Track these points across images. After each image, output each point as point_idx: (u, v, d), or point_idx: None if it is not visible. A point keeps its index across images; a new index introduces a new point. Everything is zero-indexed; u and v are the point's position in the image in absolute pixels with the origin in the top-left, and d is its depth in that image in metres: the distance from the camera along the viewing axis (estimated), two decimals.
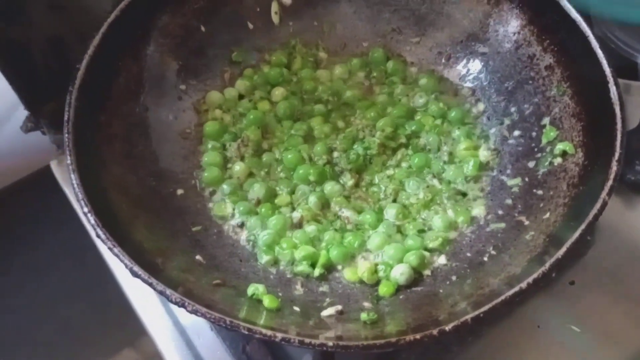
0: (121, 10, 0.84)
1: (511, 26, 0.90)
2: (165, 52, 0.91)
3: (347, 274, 0.80)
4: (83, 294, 1.22)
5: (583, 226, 0.65)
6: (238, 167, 0.87)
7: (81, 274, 1.18)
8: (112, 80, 0.84)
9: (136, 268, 0.65)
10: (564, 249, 0.64)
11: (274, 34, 0.98)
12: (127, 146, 0.83)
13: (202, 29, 0.94)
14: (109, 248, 0.66)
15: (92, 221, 0.68)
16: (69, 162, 0.72)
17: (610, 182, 0.68)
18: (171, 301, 0.64)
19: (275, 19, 0.98)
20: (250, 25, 0.97)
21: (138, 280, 0.66)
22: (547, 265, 0.63)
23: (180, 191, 0.86)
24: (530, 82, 0.87)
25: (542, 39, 0.86)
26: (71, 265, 1.22)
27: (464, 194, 0.84)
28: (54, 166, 1.01)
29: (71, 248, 1.08)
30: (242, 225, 0.85)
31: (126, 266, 0.66)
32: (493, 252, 0.77)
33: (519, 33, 0.89)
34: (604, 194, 0.67)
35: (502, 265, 0.73)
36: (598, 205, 0.67)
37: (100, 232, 0.67)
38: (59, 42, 0.93)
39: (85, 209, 0.69)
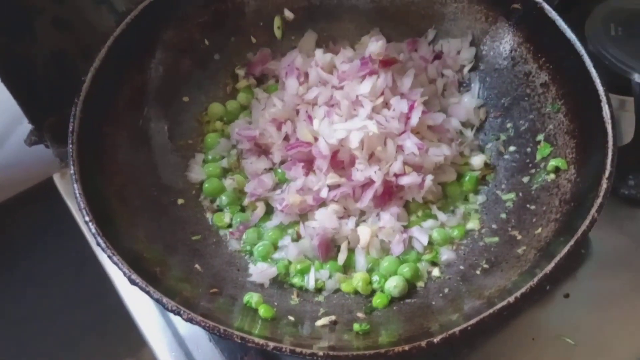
0: (127, 24, 0.86)
1: (508, 44, 0.91)
2: (169, 65, 0.93)
3: (343, 285, 0.81)
4: (84, 306, 1.23)
5: (572, 242, 0.67)
6: (236, 179, 0.89)
7: (82, 286, 1.19)
8: (116, 92, 0.86)
9: (134, 276, 0.67)
10: (552, 264, 0.65)
11: (275, 47, 1.00)
12: (130, 156, 0.85)
13: (206, 42, 0.96)
14: (109, 256, 0.68)
15: (93, 230, 0.70)
16: (72, 172, 0.74)
17: (599, 200, 0.69)
18: (167, 309, 0.65)
19: (277, 33, 1.00)
20: (253, 40, 1.00)
21: (138, 292, 0.67)
22: (536, 279, 0.65)
23: (180, 201, 0.88)
24: (526, 98, 0.89)
25: (538, 56, 0.88)
26: (72, 276, 1.23)
27: None
28: (56, 179, 1.02)
29: (72, 260, 1.09)
30: (240, 236, 0.86)
31: (124, 274, 0.67)
32: (486, 266, 0.78)
33: (515, 50, 0.91)
34: (593, 211, 0.69)
35: (494, 279, 0.74)
36: (587, 221, 0.68)
37: (100, 241, 0.69)
38: (63, 56, 0.95)
39: (87, 218, 0.71)
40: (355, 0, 0.99)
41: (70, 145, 0.76)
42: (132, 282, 0.67)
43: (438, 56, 0.96)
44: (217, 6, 0.96)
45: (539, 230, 0.76)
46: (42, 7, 0.98)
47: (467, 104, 0.93)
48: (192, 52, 0.95)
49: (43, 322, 1.26)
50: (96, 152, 0.80)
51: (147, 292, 0.66)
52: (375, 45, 0.88)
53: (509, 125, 0.90)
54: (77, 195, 0.72)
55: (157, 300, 0.66)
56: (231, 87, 0.99)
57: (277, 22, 1.00)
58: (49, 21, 0.98)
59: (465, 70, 0.95)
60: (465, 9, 0.94)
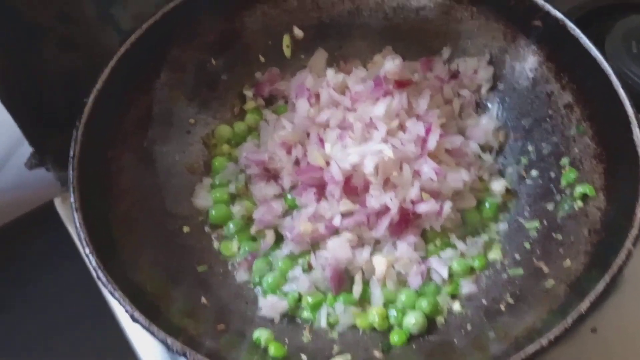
0: (131, 44, 0.83)
1: (528, 63, 0.87)
2: (175, 86, 0.89)
3: (358, 320, 0.76)
4: (84, 334, 1.18)
5: (607, 278, 0.62)
6: (244, 205, 0.85)
7: (82, 313, 1.15)
8: (120, 115, 0.82)
9: (137, 314, 0.63)
10: (587, 303, 0.61)
11: (285, 67, 0.96)
12: (134, 181, 0.81)
13: (213, 62, 0.93)
14: (110, 292, 0.64)
15: (94, 264, 0.66)
16: (72, 200, 0.70)
17: (635, 231, 0.65)
18: (171, 350, 0.61)
19: (287, 52, 0.96)
20: (262, 59, 0.96)
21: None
22: (570, 320, 0.60)
23: (186, 228, 0.83)
24: (549, 120, 0.85)
25: (560, 76, 0.84)
26: (72, 303, 1.18)
27: None
28: (57, 203, 0.98)
29: (73, 285, 1.05)
30: (248, 266, 0.82)
31: (126, 311, 0.63)
32: (511, 301, 0.74)
33: (536, 70, 0.87)
34: (628, 244, 0.64)
35: (521, 315, 0.70)
36: (622, 255, 0.63)
37: (101, 275, 0.65)
38: (68, 77, 0.92)
39: (87, 250, 0.67)
40: (367, 18, 0.96)
41: (71, 172, 0.72)
42: (134, 319, 0.63)
43: (454, 76, 0.92)
44: (225, 26, 0.92)
45: (568, 262, 0.72)
46: (49, 27, 0.94)
47: (485, 125, 0.89)
48: (199, 72, 0.91)
49: (42, 349, 1.21)
50: (99, 177, 0.77)
51: (151, 332, 0.62)
52: (390, 65, 0.85)
53: (530, 148, 0.86)
54: (77, 225, 0.68)
55: (161, 341, 0.61)
56: (239, 108, 0.95)
57: (286, 40, 0.96)
58: (55, 41, 0.95)
59: (483, 90, 0.91)
60: (483, 26, 0.91)
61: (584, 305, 0.61)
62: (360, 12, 0.96)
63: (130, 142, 0.83)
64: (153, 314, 0.65)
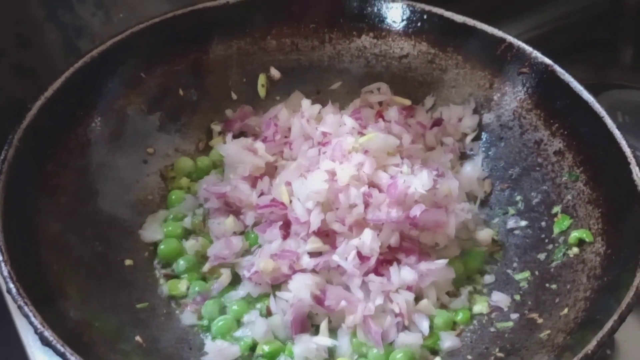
0: (91, 58, 0.77)
1: (515, 111, 0.82)
2: (136, 111, 0.82)
3: None
4: None
5: (615, 316, 0.53)
6: (200, 241, 0.75)
7: None
8: (68, 129, 0.74)
9: (48, 333, 0.51)
10: (594, 342, 0.51)
11: (258, 107, 0.90)
12: (74, 203, 0.72)
13: (181, 92, 0.86)
14: (19, 305, 0.52)
15: (5, 272, 0.54)
16: None
17: None
18: None
19: (261, 92, 0.90)
20: (234, 96, 0.90)
21: None
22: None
23: (129, 262, 0.73)
24: (538, 168, 0.79)
25: (550, 123, 0.79)
26: None
27: None
28: None
29: None
30: (197, 308, 0.71)
31: (35, 330, 0.51)
32: (500, 355, 0.64)
33: (523, 118, 0.82)
34: (637, 282, 0.55)
35: None
36: (631, 293, 0.55)
37: (12, 286, 0.53)
38: (20, 107, 0.85)
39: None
40: (347, 64, 0.91)
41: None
42: (44, 341, 0.51)
43: (437, 123, 0.87)
44: (197, 56, 0.87)
45: (565, 311, 0.63)
46: (4, 49, 0.88)
47: (469, 173, 0.82)
48: (164, 101, 0.85)
49: None
50: (31, 189, 0.67)
51: (62, 355, 0.50)
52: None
53: (518, 198, 0.80)
54: None
55: None
56: (204, 143, 0.87)
57: (261, 79, 0.90)
58: (9, 66, 0.88)
59: (468, 139, 0.86)
60: (468, 75, 0.87)
61: (591, 345, 0.51)
62: (341, 57, 0.92)
63: (77, 161, 0.75)
64: (72, 341, 0.53)
